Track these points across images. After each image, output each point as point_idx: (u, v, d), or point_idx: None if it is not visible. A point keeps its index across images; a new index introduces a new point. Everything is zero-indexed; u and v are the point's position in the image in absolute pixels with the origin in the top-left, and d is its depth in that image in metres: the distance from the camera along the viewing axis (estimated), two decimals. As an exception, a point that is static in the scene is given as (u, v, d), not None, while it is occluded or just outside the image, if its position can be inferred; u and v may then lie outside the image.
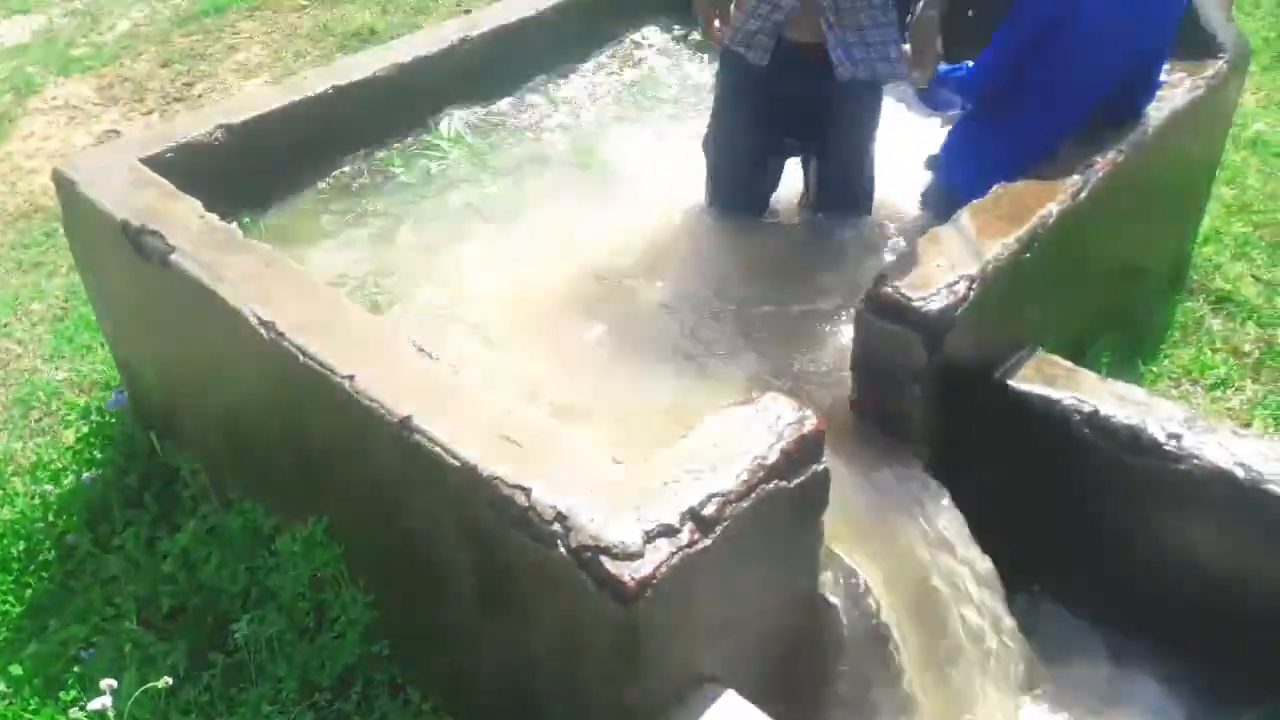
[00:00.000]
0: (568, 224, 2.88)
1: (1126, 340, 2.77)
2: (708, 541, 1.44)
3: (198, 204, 2.23)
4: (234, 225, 2.60)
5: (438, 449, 1.61)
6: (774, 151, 2.76)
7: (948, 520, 1.97)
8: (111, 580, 2.36)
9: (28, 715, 2.12)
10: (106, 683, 1.87)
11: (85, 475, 2.64)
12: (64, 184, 2.38)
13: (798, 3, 2.45)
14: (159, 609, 2.25)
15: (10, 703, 2.16)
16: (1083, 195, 2.23)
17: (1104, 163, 2.31)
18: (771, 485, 1.52)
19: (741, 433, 1.58)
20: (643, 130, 3.30)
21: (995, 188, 2.23)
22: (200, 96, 4.86)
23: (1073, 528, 2.16)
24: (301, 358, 1.82)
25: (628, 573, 1.37)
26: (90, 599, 2.35)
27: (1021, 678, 2.06)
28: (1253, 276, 3.12)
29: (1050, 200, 2.18)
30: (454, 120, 3.16)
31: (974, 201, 2.19)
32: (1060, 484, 2.14)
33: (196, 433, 2.47)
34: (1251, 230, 3.35)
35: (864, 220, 2.74)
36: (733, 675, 1.61)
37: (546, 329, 2.49)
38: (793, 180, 2.88)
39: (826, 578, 1.77)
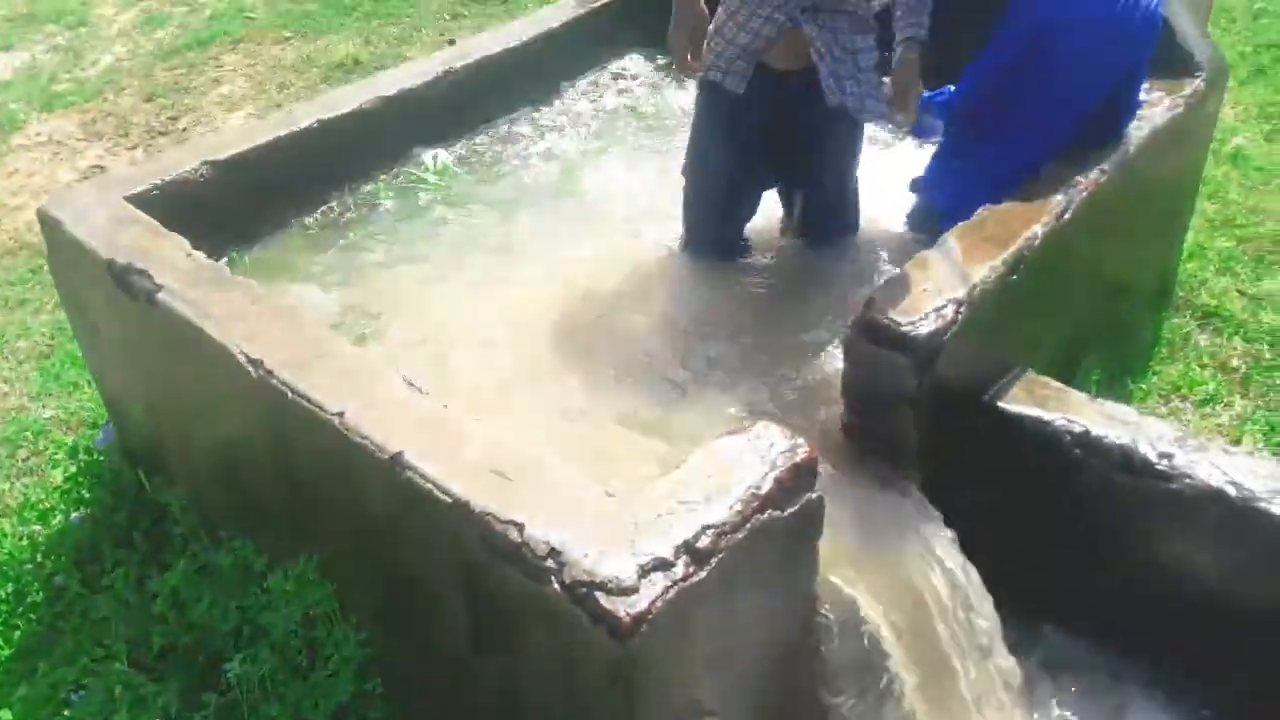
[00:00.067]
0: (555, 254, 2.88)
1: (1115, 357, 2.78)
2: (703, 574, 1.43)
3: (184, 241, 2.23)
4: (221, 261, 2.61)
5: (428, 485, 1.60)
6: (751, 183, 2.73)
7: (944, 544, 1.96)
8: (101, 621, 2.33)
9: (18, 761, 2.10)
10: (98, 726, 1.85)
11: (73, 515, 2.62)
12: (49, 223, 2.37)
13: (779, 33, 2.45)
14: (150, 649, 2.22)
15: (0, 748, 2.13)
16: (1067, 216, 2.24)
17: (1087, 183, 2.33)
18: (766, 515, 1.51)
19: (734, 462, 1.57)
20: (627, 159, 3.31)
21: (980, 210, 2.24)
22: (185, 130, 4.86)
23: (1066, 547, 2.16)
24: (290, 395, 1.81)
25: (623, 608, 1.36)
26: (80, 640, 2.33)
27: (1020, 700, 2.06)
28: (1238, 291, 3.14)
29: (1035, 221, 2.19)
30: (440, 152, 3.16)
31: (959, 224, 2.20)
32: (1053, 504, 2.14)
33: (185, 470, 2.45)
34: (1235, 245, 3.38)
35: (850, 241, 2.75)
36: (730, 707, 1.60)
37: (534, 361, 2.48)
38: (770, 208, 2.88)
39: (823, 606, 1.76)
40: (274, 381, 1.84)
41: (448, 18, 5.76)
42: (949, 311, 1.96)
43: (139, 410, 2.55)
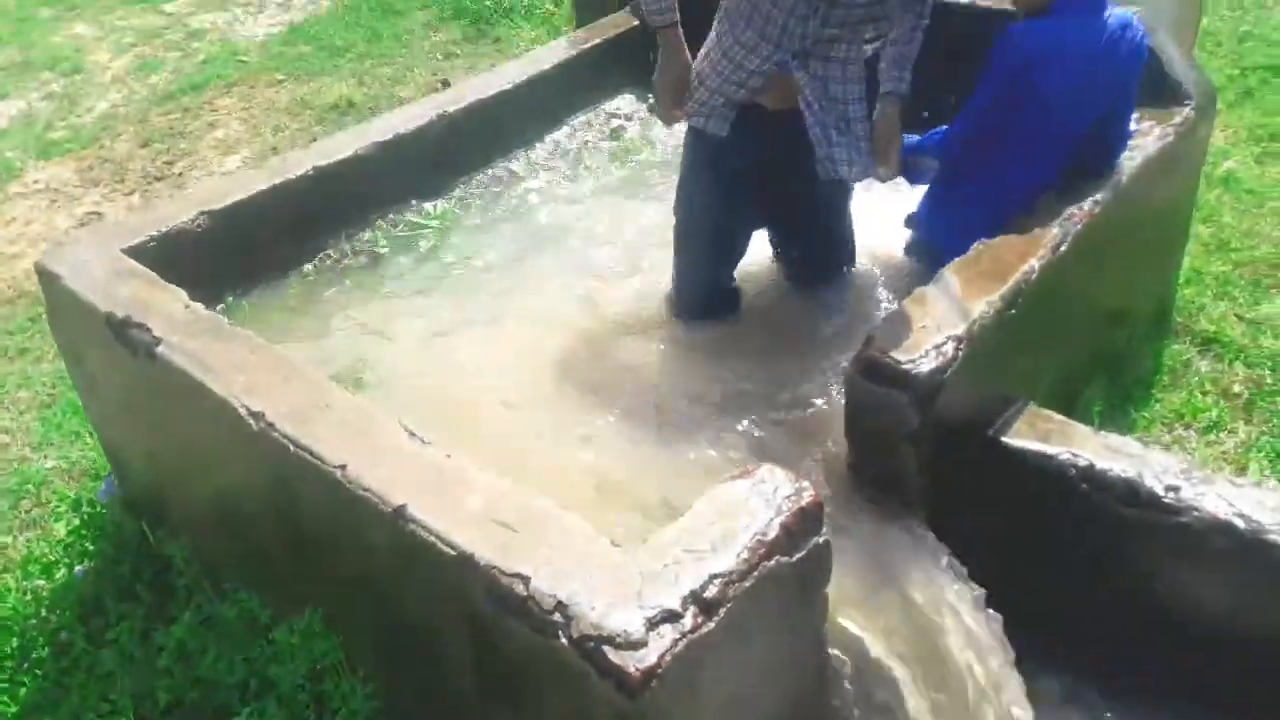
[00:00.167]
0: (552, 295, 2.88)
1: (1116, 386, 2.78)
2: (711, 625, 1.42)
3: (182, 293, 2.23)
4: (220, 309, 2.61)
5: (432, 538, 1.59)
6: (740, 224, 2.70)
7: (953, 582, 1.95)
8: (107, 676, 2.31)
9: (22, 822, 2.08)
10: (104, 786, 1.83)
11: (77, 568, 2.61)
12: (47, 277, 2.38)
13: (766, 80, 2.44)
14: (156, 704, 2.20)
15: (5, 810, 2.11)
16: (1063, 248, 2.25)
17: (1082, 214, 2.34)
18: (773, 562, 1.51)
19: (739, 508, 1.57)
20: (622, 198, 3.33)
21: (976, 244, 2.25)
22: (180, 175, 4.88)
23: (1070, 580, 2.15)
24: (292, 448, 1.81)
25: (632, 663, 1.35)
26: (85, 696, 2.30)
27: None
28: (1236, 316, 3.14)
29: (1031, 255, 2.20)
30: (434, 196, 3.17)
31: (956, 259, 2.20)
32: (1056, 537, 2.13)
33: (188, 521, 2.44)
34: (1231, 269, 3.38)
35: (846, 277, 2.75)
36: (742, 756, 1.59)
37: (533, 403, 2.48)
38: (761, 247, 2.87)
39: (833, 649, 1.75)
40: (275, 434, 1.84)
41: (440, 57, 5.80)
42: (949, 349, 1.96)
43: (140, 461, 2.55)
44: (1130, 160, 2.52)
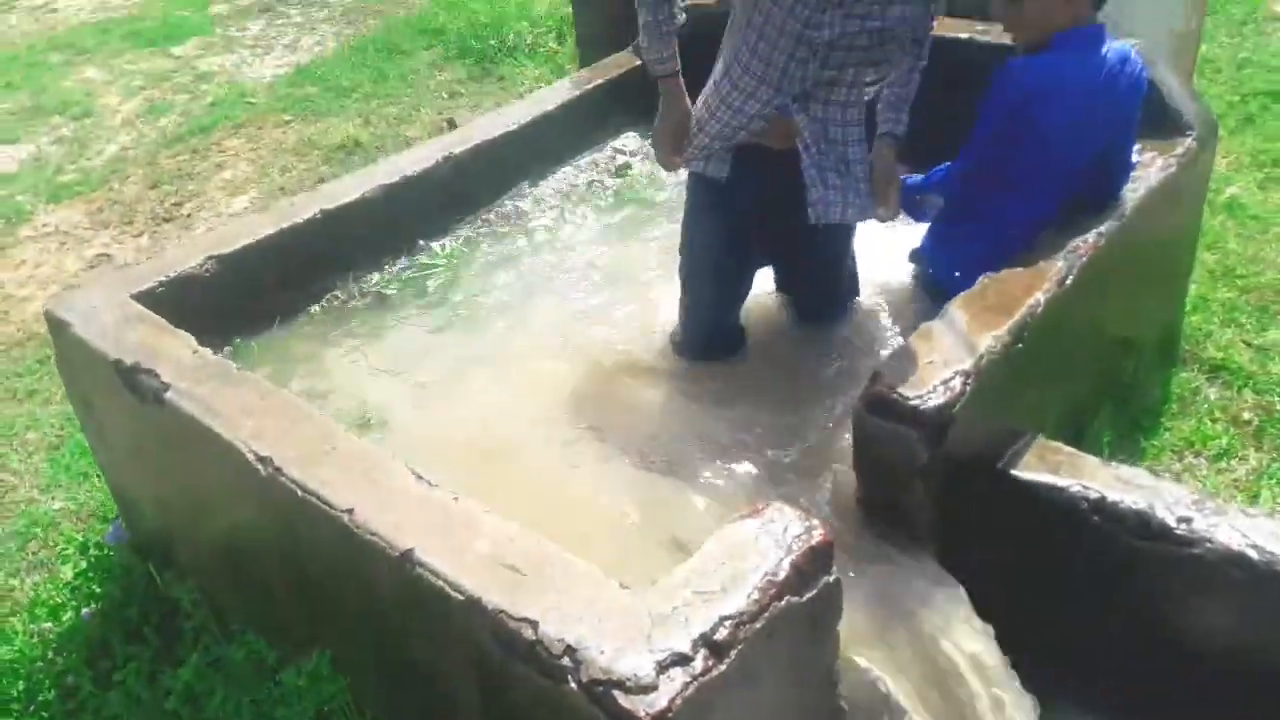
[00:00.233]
0: (560, 335, 2.88)
1: (1125, 416, 2.77)
2: (722, 667, 1.41)
3: (190, 339, 2.24)
4: (227, 353, 2.62)
5: (440, 583, 1.58)
6: (744, 264, 2.70)
7: (965, 617, 1.94)
8: (114, 719, 2.30)
9: None
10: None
11: (84, 611, 2.60)
12: (56, 324, 2.39)
13: (766, 123, 2.45)
14: (163, 747, 2.20)
15: None
16: (1069, 281, 2.25)
17: (1087, 247, 2.34)
18: (784, 603, 1.50)
19: (749, 548, 1.56)
20: (628, 236, 3.34)
21: (981, 278, 2.25)
22: (189, 216, 4.93)
23: (1081, 612, 2.13)
24: (300, 493, 1.81)
25: (642, 707, 1.34)
26: (93, 740, 2.30)
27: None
28: (1244, 342, 3.13)
29: (1037, 288, 2.20)
30: (441, 236, 3.19)
31: (962, 294, 2.20)
32: (1067, 569, 2.12)
33: (196, 564, 2.44)
34: (1237, 295, 3.38)
35: (850, 311, 2.76)
36: (755, 799, 1.57)
37: (542, 444, 2.48)
38: (765, 283, 2.88)
39: (846, 687, 1.73)
40: (283, 479, 1.84)
41: (445, 96, 5.86)
42: (957, 384, 1.95)
43: (149, 505, 2.55)
44: (1134, 192, 2.52)
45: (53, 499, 3.19)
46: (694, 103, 2.54)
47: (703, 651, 1.41)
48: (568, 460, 2.42)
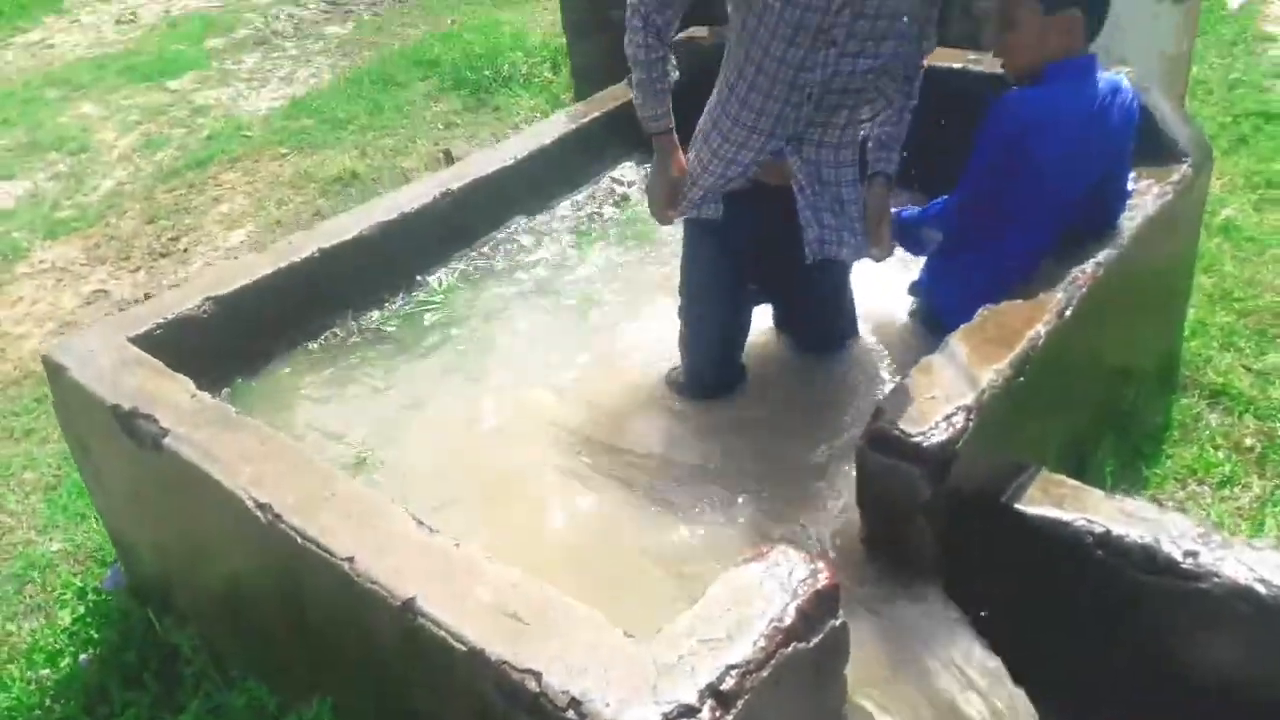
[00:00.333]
0: (560, 369, 2.88)
1: (1127, 444, 2.76)
2: (729, 718, 1.39)
3: (189, 382, 2.23)
4: (226, 394, 2.61)
5: (442, 633, 1.57)
6: (744, 301, 2.69)
7: (974, 654, 1.92)
8: (113, 767, 2.29)
9: None
10: None
11: (82, 657, 2.58)
12: (53, 368, 2.38)
13: (760, 168, 2.45)
14: (163, 797, 2.18)
15: None
16: (1068, 312, 2.25)
17: (1086, 277, 2.34)
18: (790, 649, 1.48)
19: (753, 593, 1.54)
20: (627, 269, 3.33)
21: (981, 310, 2.24)
22: (186, 250, 4.92)
23: (1086, 645, 2.11)
24: (300, 540, 1.80)
25: (648, 761, 1.32)
26: (90, 791, 2.28)
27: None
28: (1243, 367, 3.13)
29: (1037, 320, 2.20)
30: (440, 272, 3.19)
31: (962, 327, 2.20)
32: (1072, 603, 2.10)
33: (195, 609, 2.42)
34: (1235, 319, 3.37)
35: (850, 348, 2.75)
36: None
37: (543, 481, 2.47)
38: (764, 319, 2.87)
39: (852, 731, 1.72)
40: (282, 526, 1.83)
41: (441, 127, 5.87)
42: (959, 419, 1.95)
43: (147, 549, 2.53)
44: (1131, 220, 2.53)
45: (50, 540, 3.17)
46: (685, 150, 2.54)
47: (709, 702, 1.39)
48: (568, 497, 2.41)
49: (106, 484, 2.54)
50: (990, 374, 2.06)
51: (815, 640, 1.53)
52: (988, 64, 3.14)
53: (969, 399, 2.00)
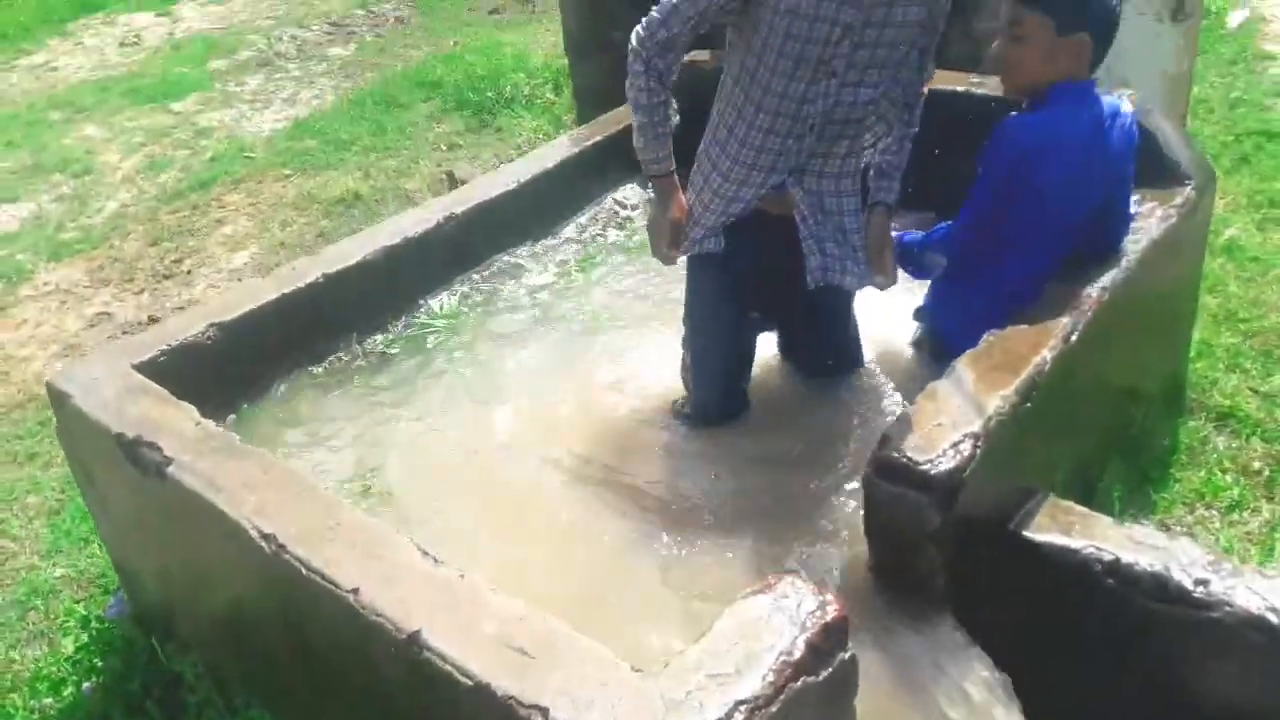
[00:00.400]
0: (563, 393, 2.87)
1: (1134, 468, 2.74)
2: (738, 756, 1.38)
3: (193, 410, 2.22)
4: (231, 420, 2.60)
5: (448, 667, 1.56)
6: (747, 332, 2.69)
7: (984, 683, 1.91)
8: (114, 799, 2.28)
9: None
10: None
11: (85, 685, 2.57)
12: (57, 396, 2.38)
13: (759, 202, 2.44)
14: (165, 827, 2.17)
15: None
16: (1074, 337, 2.24)
17: (1091, 301, 2.33)
18: (799, 683, 1.47)
19: (762, 626, 1.53)
20: (631, 291, 3.33)
21: (986, 336, 2.23)
22: (189, 272, 4.93)
23: (1094, 673, 2.10)
24: (305, 571, 1.79)
25: (657, 800, 1.31)
26: (93, 822, 2.26)
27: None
28: (1250, 389, 3.11)
29: (1043, 345, 2.19)
30: (446, 296, 3.19)
31: (968, 352, 2.19)
32: (1081, 631, 2.09)
33: (199, 637, 2.41)
34: (1240, 340, 3.36)
35: (855, 375, 2.74)
36: None
37: (546, 510, 2.46)
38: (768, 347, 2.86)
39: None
40: (286, 556, 1.82)
41: (444, 148, 5.89)
42: (966, 447, 1.93)
43: (151, 577, 2.52)
44: (1135, 244, 2.52)
45: (54, 565, 3.16)
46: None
47: (718, 739, 1.38)
48: (573, 526, 2.39)
49: (110, 512, 2.53)
50: (997, 400, 2.05)
51: (824, 674, 1.52)
52: (990, 86, 3.15)
53: (976, 426, 1.99)
